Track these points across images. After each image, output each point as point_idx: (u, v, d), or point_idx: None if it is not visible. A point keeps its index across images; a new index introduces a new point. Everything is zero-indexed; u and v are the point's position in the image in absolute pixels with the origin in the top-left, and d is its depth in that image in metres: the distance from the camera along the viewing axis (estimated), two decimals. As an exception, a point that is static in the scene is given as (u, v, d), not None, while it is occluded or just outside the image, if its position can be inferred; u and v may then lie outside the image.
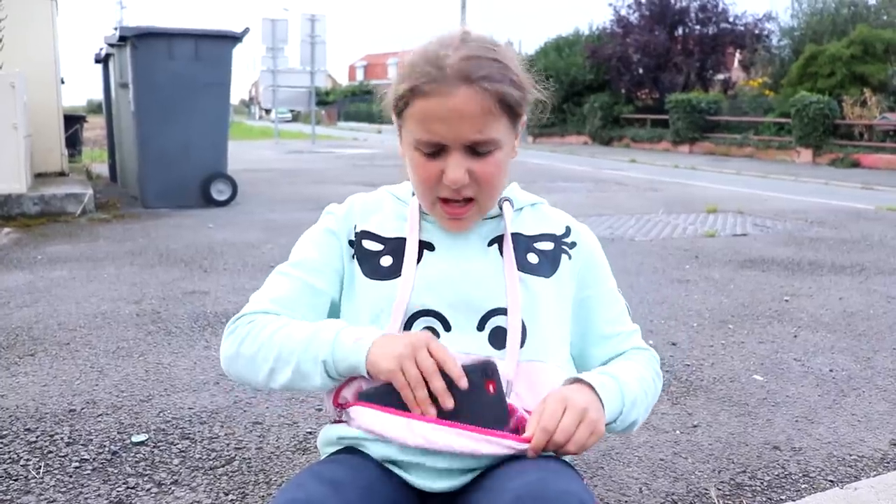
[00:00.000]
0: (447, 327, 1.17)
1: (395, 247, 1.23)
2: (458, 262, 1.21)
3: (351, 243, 1.26)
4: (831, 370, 3.04)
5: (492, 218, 1.26)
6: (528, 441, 1.04)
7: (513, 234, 1.24)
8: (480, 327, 1.17)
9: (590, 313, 1.29)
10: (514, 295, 1.18)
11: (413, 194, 1.26)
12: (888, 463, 2.23)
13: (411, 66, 1.13)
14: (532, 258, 1.24)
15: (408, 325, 1.17)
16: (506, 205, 1.27)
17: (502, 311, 1.17)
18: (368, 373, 1.07)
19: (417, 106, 1.12)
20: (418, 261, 1.20)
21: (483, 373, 1.06)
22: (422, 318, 1.17)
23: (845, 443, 2.36)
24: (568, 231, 1.31)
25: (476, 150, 1.13)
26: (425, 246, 1.22)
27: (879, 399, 2.73)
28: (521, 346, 1.16)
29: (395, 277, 1.19)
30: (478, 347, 1.15)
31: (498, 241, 1.24)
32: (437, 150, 1.13)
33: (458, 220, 1.19)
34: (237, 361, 1.18)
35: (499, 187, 1.21)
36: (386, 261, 1.22)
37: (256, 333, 1.16)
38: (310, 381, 1.11)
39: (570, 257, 1.28)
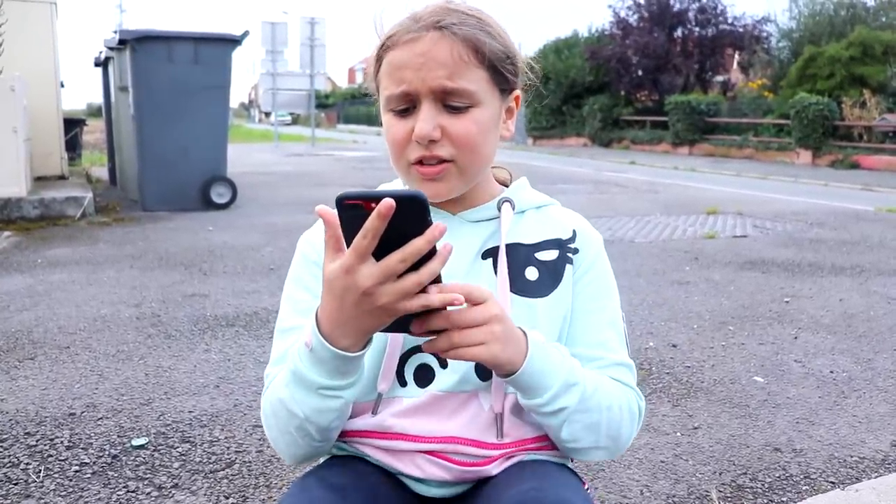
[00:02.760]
0: (443, 364, 1.06)
1: None
2: (450, 281, 1.05)
3: None
4: (832, 371, 3.03)
5: (488, 220, 1.13)
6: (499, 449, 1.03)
7: (511, 245, 1.11)
8: None
9: (572, 332, 1.10)
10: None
11: None
12: (889, 464, 2.22)
13: (385, 28, 1.06)
14: (531, 273, 1.10)
15: (401, 362, 1.07)
16: (505, 207, 1.13)
17: None
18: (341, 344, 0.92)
19: (387, 61, 1.03)
20: None
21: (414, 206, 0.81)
22: (416, 355, 1.06)
23: (846, 444, 2.36)
24: (574, 236, 1.15)
25: (449, 103, 1.02)
26: None
27: (880, 400, 2.73)
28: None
29: None
30: (464, 375, 1.05)
31: (493, 253, 1.10)
32: (407, 107, 1.03)
33: (434, 182, 1.04)
34: (280, 441, 1.05)
35: (482, 153, 1.06)
36: None
37: (268, 415, 1.04)
38: (326, 404, 0.97)
39: (572, 264, 1.13)
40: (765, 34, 23.56)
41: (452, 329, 0.89)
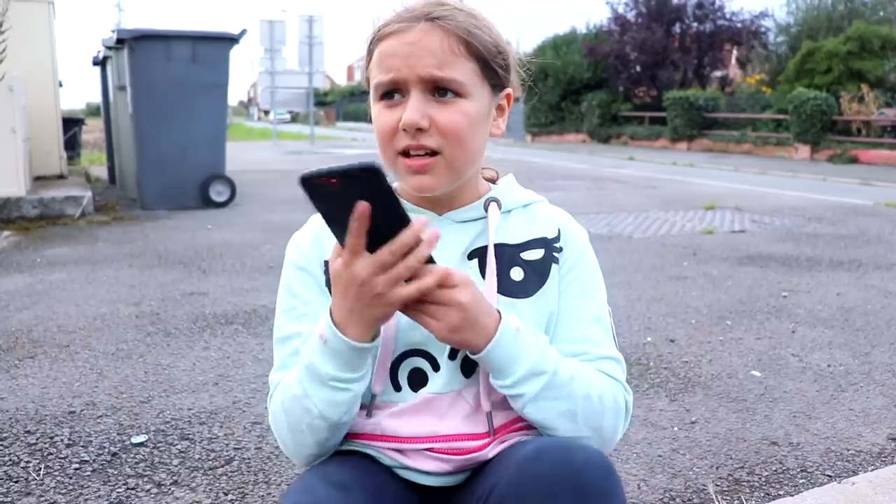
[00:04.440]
0: (436, 367, 1.07)
1: None
2: None
3: (325, 273, 1.09)
4: (829, 366, 3.05)
5: (474, 220, 1.12)
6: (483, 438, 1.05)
7: (496, 246, 1.10)
8: (453, 356, 1.07)
9: (558, 328, 1.11)
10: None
11: None
12: (886, 457, 2.23)
13: (379, 21, 1.07)
14: (516, 274, 1.10)
15: (394, 367, 1.07)
16: (492, 207, 1.12)
17: None
18: (352, 333, 0.96)
19: (378, 51, 1.04)
20: None
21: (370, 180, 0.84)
22: (409, 359, 1.07)
23: (843, 438, 2.37)
24: (559, 234, 1.15)
25: (438, 93, 1.02)
26: None
27: (877, 394, 2.74)
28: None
29: None
30: (451, 375, 1.07)
31: (479, 254, 1.10)
32: (395, 95, 1.03)
33: (422, 175, 1.03)
34: (290, 441, 1.07)
35: (469, 146, 1.04)
36: None
37: (279, 415, 1.06)
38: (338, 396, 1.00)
39: (558, 263, 1.13)
40: (763, 29, 23.56)
41: (421, 297, 0.93)
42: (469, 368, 1.07)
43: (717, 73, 25.08)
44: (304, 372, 1.00)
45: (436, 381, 1.07)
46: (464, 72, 1.03)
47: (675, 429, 2.43)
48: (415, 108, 1.01)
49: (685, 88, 22.01)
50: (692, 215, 7.53)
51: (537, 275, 1.11)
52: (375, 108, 1.06)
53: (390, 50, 1.02)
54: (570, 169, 13.57)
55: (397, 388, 1.08)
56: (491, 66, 1.06)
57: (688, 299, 4.11)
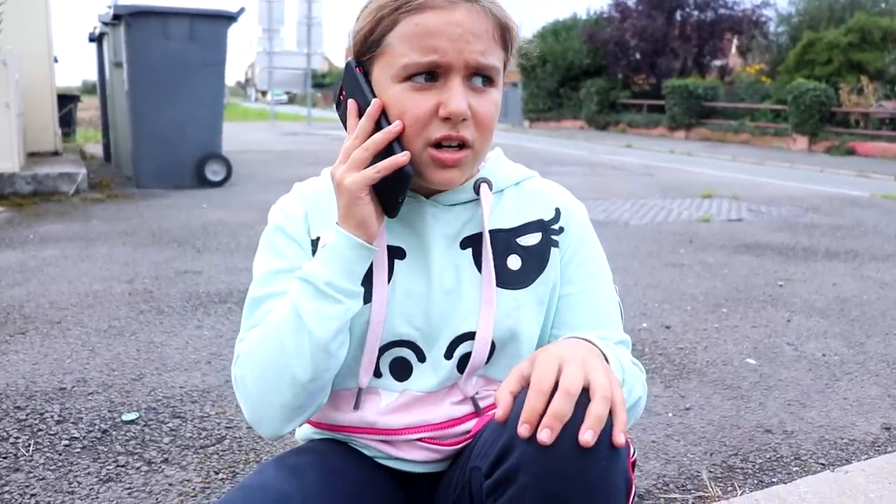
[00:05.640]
0: (422, 358, 1.04)
1: None
2: (429, 276, 1.02)
3: (313, 251, 1.05)
4: (824, 355, 3.04)
5: (464, 204, 1.05)
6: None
7: (492, 231, 1.04)
8: (449, 355, 1.03)
9: (568, 315, 1.07)
10: (487, 324, 1.01)
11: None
12: (879, 447, 2.23)
13: None
14: (513, 262, 1.04)
15: (378, 356, 1.04)
16: (484, 189, 1.05)
17: (472, 336, 1.02)
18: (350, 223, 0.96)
19: (409, 24, 0.93)
20: (389, 277, 1.02)
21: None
22: (394, 349, 1.03)
23: (837, 427, 2.36)
24: (558, 214, 1.09)
25: (476, 81, 0.95)
26: (395, 253, 1.03)
27: (871, 384, 2.74)
28: (488, 361, 1.04)
29: (367, 303, 1.00)
30: (443, 376, 1.03)
31: (473, 242, 1.04)
32: (432, 79, 0.94)
33: (451, 170, 0.97)
34: (260, 388, 0.98)
35: (491, 137, 1.01)
36: None
37: (251, 360, 0.99)
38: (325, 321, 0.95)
39: (557, 246, 1.07)
40: (763, 19, 23.50)
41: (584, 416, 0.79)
42: (465, 363, 1.04)
43: (717, 63, 25.01)
44: (297, 289, 0.95)
45: (423, 376, 1.04)
46: (498, 59, 0.98)
47: (670, 415, 2.42)
48: (462, 95, 0.93)
49: (684, 77, 21.95)
50: (689, 203, 7.52)
51: (535, 262, 1.06)
52: (398, 88, 0.95)
53: (432, 27, 0.92)
54: (568, 155, 13.53)
55: (378, 374, 1.04)
56: (511, 53, 1.02)
57: (684, 286, 4.10)
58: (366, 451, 1.07)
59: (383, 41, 0.95)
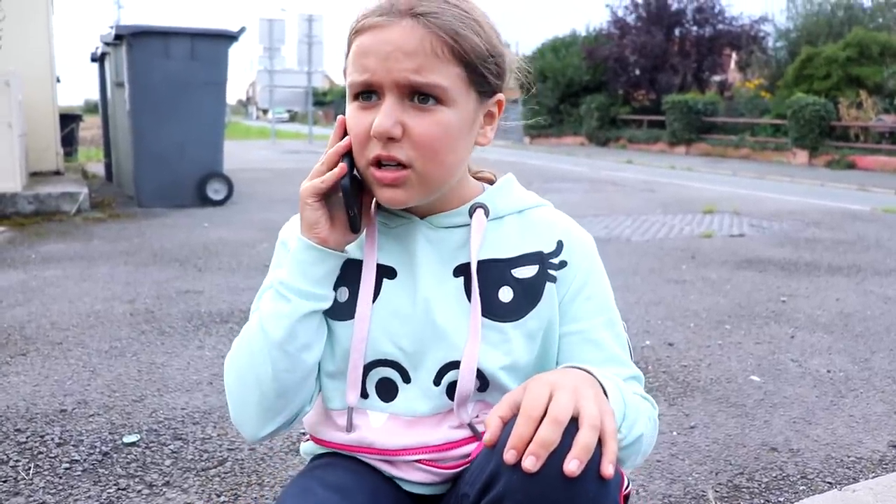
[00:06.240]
0: (406, 379, 1.03)
1: (352, 274, 1.03)
2: (417, 300, 1.02)
3: None
4: (829, 371, 3.02)
5: (458, 227, 1.04)
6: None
7: (484, 262, 1.02)
8: (437, 382, 1.02)
9: (574, 353, 1.04)
10: (472, 354, 0.99)
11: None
12: (887, 464, 2.21)
13: (361, 10, 0.98)
14: (505, 295, 1.02)
15: (363, 374, 1.04)
16: (477, 215, 1.03)
17: (459, 365, 1.00)
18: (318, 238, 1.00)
19: (355, 45, 0.96)
20: (375, 295, 1.02)
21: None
22: (379, 368, 1.03)
23: (843, 444, 2.34)
24: (559, 247, 1.05)
25: (415, 99, 0.93)
26: (385, 272, 1.03)
27: (877, 400, 2.72)
28: (482, 390, 1.03)
29: (351, 318, 1.02)
30: (434, 402, 1.02)
31: (466, 270, 1.02)
32: (370, 97, 0.95)
33: (392, 188, 0.95)
34: (240, 388, 1.04)
35: (445, 160, 0.96)
36: (342, 294, 1.03)
37: (231, 352, 1.05)
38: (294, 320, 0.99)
39: (555, 281, 1.03)
40: (762, 34, 23.59)
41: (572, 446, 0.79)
42: (454, 390, 1.02)
43: (717, 78, 25.09)
44: (270, 294, 1.02)
45: (411, 398, 1.03)
46: (447, 76, 0.93)
47: (674, 433, 2.40)
48: (387, 114, 0.92)
49: (684, 92, 22.01)
50: (691, 219, 7.51)
51: (528, 296, 1.02)
52: (349, 108, 0.98)
53: (367, 47, 0.94)
54: (569, 171, 13.55)
55: (364, 394, 1.04)
56: (479, 71, 0.96)
57: (686, 303, 4.09)
58: (373, 465, 1.08)
59: (345, 62, 1.00)
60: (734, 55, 25.20)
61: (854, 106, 16.93)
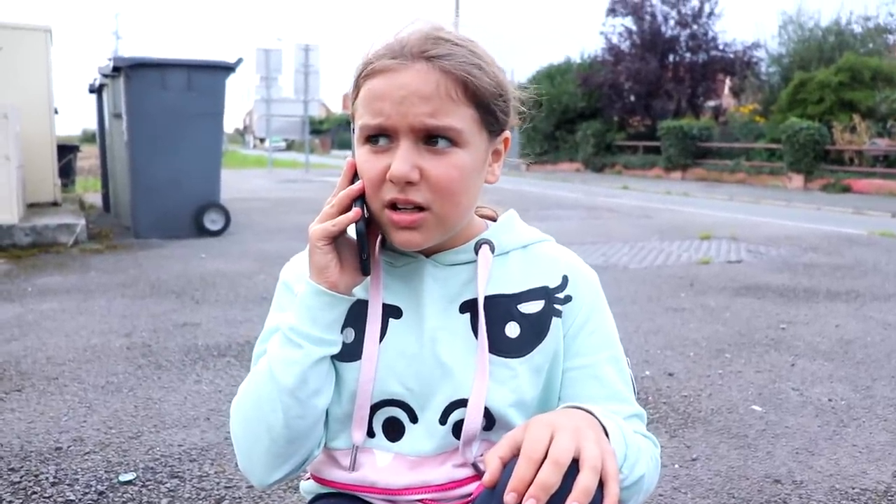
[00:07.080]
0: (413, 419, 1.02)
1: (358, 314, 1.02)
2: (424, 339, 1.01)
3: None
4: (830, 399, 3.00)
5: (464, 265, 1.04)
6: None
7: (491, 297, 1.01)
8: (443, 421, 1.01)
9: (577, 389, 1.03)
10: (480, 392, 0.99)
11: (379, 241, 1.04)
12: (892, 496, 2.19)
13: (369, 52, 0.97)
14: (511, 330, 1.01)
15: (370, 414, 1.03)
16: (483, 251, 1.03)
17: (466, 403, 1.00)
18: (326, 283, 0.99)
19: (365, 88, 0.95)
20: (382, 335, 1.02)
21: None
22: (386, 408, 1.02)
23: (847, 475, 2.32)
24: (565, 282, 1.05)
25: (430, 142, 0.93)
26: (390, 312, 1.03)
27: (880, 429, 2.70)
28: (488, 429, 1.02)
29: (358, 359, 1.01)
30: (439, 442, 1.01)
31: (471, 306, 1.02)
32: (384, 140, 0.94)
33: (409, 231, 0.95)
34: (249, 435, 1.02)
35: (461, 202, 0.97)
36: (348, 335, 1.02)
37: (237, 399, 1.04)
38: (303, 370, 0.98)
39: (560, 316, 1.04)
40: (755, 60, 23.83)
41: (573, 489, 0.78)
42: (460, 429, 1.01)
43: (711, 103, 25.29)
44: (274, 339, 1.01)
45: (417, 436, 1.02)
46: (461, 118, 0.94)
47: (676, 466, 2.38)
48: (404, 158, 0.92)
49: (679, 118, 22.16)
50: (688, 245, 7.52)
51: (534, 331, 1.02)
52: (360, 151, 0.97)
53: (379, 91, 0.93)
54: (565, 198, 13.58)
55: (371, 433, 1.03)
56: (491, 109, 0.97)
57: (686, 331, 4.07)
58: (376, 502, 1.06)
59: (354, 105, 0.99)
60: (728, 81, 25.42)
61: (848, 130, 17.05)
